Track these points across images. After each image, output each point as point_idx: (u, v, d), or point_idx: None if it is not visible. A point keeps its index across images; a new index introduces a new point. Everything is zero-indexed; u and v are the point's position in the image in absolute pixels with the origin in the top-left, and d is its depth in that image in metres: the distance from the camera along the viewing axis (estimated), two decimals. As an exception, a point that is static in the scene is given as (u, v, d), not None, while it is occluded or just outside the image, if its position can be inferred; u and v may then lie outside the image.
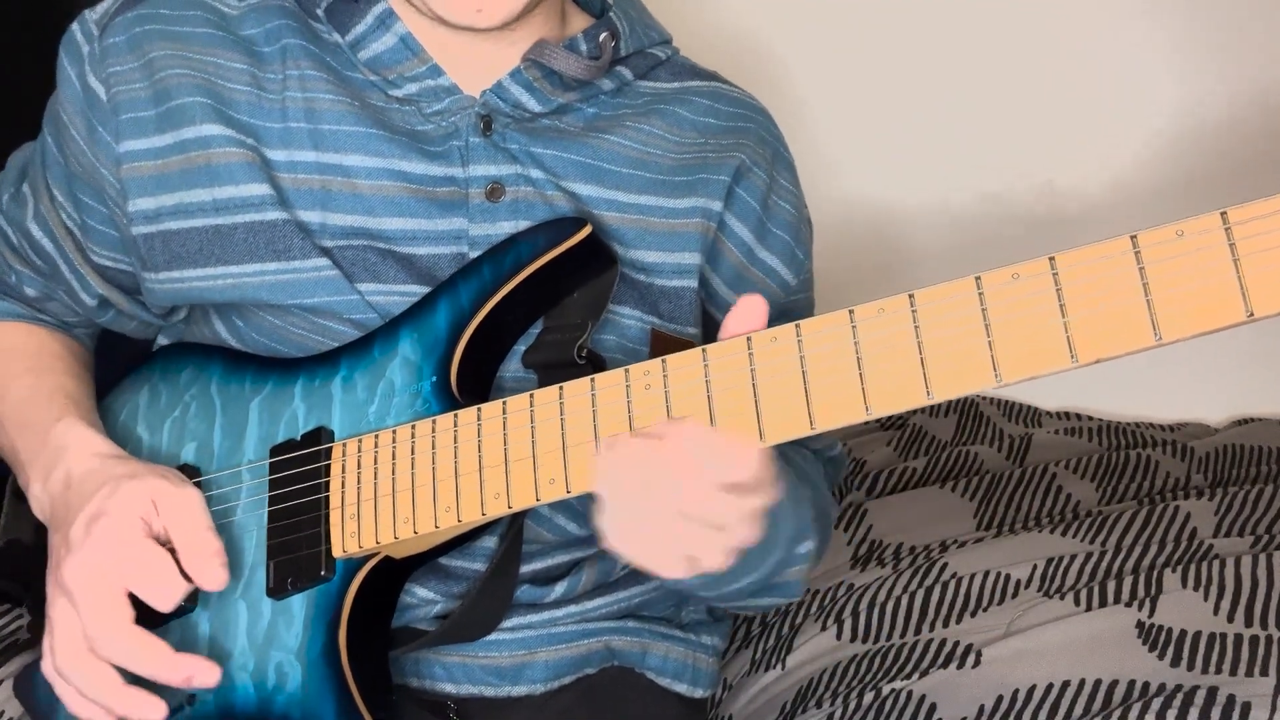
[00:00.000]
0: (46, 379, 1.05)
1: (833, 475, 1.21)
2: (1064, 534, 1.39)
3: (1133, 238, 0.66)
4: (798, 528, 0.98)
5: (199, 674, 0.87)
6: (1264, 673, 1.08)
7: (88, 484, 0.91)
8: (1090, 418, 1.85)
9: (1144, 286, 0.65)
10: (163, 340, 1.13)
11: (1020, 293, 0.68)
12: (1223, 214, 0.64)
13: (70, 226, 1.05)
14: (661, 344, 1.01)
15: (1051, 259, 0.68)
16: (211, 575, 0.88)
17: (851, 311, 0.73)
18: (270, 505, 0.94)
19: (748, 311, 0.79)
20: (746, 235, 1.07)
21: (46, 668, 0.90)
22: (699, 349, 0.79)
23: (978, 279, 0.70)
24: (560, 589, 1.05)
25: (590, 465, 0.81)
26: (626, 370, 0.81)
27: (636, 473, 0.77)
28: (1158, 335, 0.65)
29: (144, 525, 0.88)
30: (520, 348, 0.97)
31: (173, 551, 0.89)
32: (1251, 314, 0.63)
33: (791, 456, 1.08)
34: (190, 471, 0.99)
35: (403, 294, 0.97)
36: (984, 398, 1.88)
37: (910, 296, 0.71)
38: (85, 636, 0.87)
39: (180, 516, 0.89)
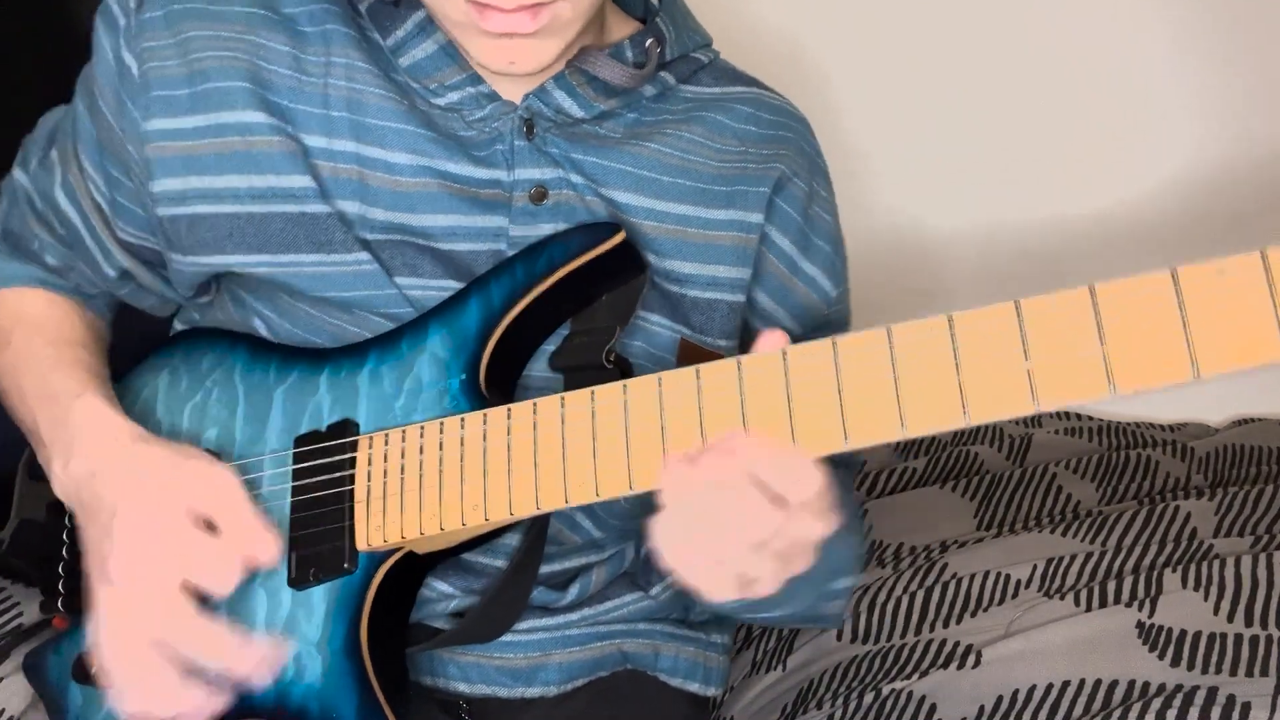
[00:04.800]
0: (67, 352, 1.03)
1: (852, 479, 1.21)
2: (1064, 534, 1.39)
3: (1173, 273, 0.67)
4: (842, 562, 0.97)
5: (270, 658, 0.88)
6: (1264, 673, 1.09)
7: (115, 471, 0.91)
8: (1090, 418, 1.85)
9: (1183, 321, 0.66)
10: (179, 325, 1.13)
11: (1060, 321, 0.69)
12: (1262, 253, 0.65)
13: (99, 201, 1.04)
14: (690, 354, 1.01)
15: (1092, 288, 0.69)
16: (267, 550, 0.89)
17: (889, 329, 0.74)
18: (294, 496, 0.95)
19: (769, 346, 0.80)
20: (788, 247, 1.06)
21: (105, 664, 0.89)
22: (734, 359, 0.80)
23: (1017, 304, 0.71)
24: (574, 592, 1.06)
25: (657, 477, 0.81)
26: (659, 377, 0.82)
27: (708, 493, 0.76)
28: (1196, 371, 0.66)
29: (186, 510, 0.88)
30: (547, 348, 0.97)
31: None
32: None
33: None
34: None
35: (440, 289, 0.97)
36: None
37: (949, 318, 0.72)
38: (150, 633, 0.86)
39: (221, 498, 0.89)
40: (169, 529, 0.87)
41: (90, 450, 0.93)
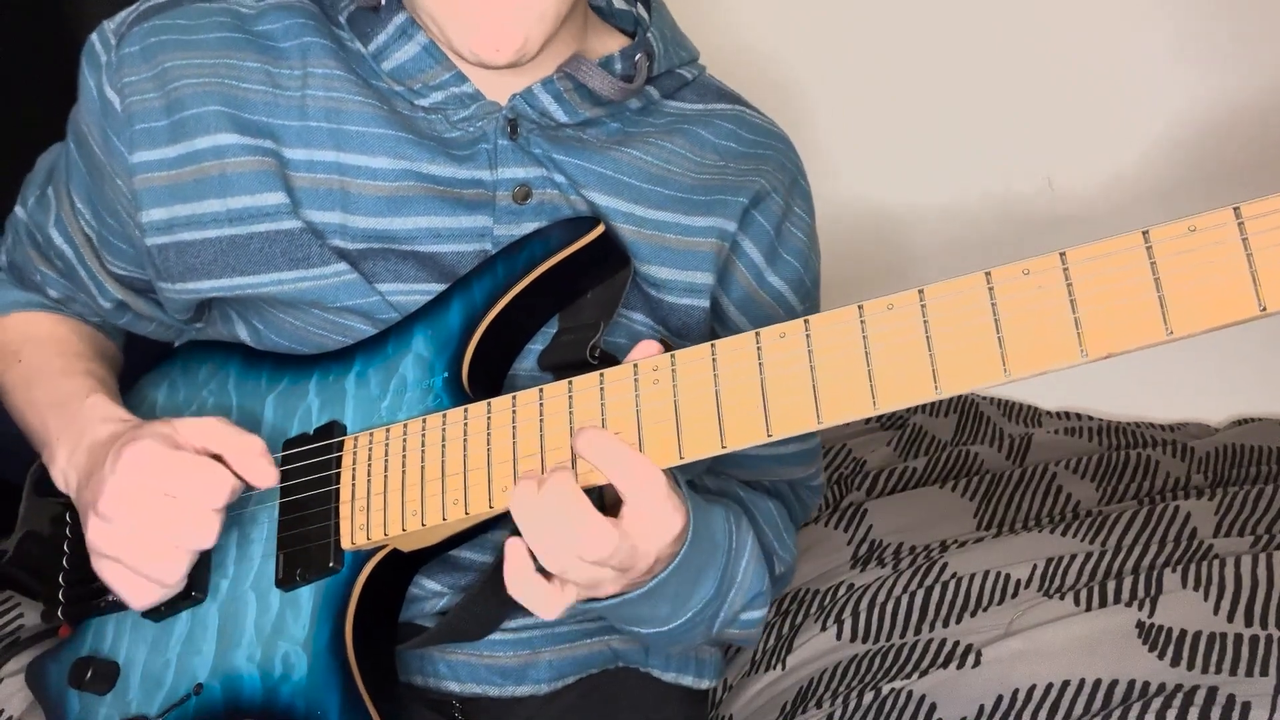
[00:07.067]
0: (77, 364, 1.06)
1: (809, 506, 1.23)
2: (1064, 534, 1.39)
3: (1144, 233, 0.66)
4: (729, 597, 0.98)
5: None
6: (1264, 673, 1.08)
7: (111, 442, 0.91)
8: (1090, 418, 1.85)
9: (1156, 281, 0.66)
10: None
11: (1030, 288, 0.69)
12: (1235, 209, 0.64)
13: (89, 234, 1.06)
14: None
15: (1062, 254, 0.68)
16: (263, 471, 0.89)
17: (860, 307, 0.74)
18: (282, 498, 0.95)
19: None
20: (758, 258, 1.07)
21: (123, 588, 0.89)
22: (708, 344, 0.80)
23: (988, 274, 0.70)
24: None
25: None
26: (635, 365, 0.82)
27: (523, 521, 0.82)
28: (1169, 330, 0.65)
29: (172, 442, 0.88)
30: (536, 348, 0.98)
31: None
32: (1264, 308, 0.64)
33: (753, 509, 1.09)
34: None
35: (425, 292, 0.98)
36: (984, 397, 1.88)
37: (920, 292, 0.72)
38: (172, 536, 0.87)
39: (211, 430, 0.89)
40: (152, 454, 0.87)
41: (95, 436, 0.94)
